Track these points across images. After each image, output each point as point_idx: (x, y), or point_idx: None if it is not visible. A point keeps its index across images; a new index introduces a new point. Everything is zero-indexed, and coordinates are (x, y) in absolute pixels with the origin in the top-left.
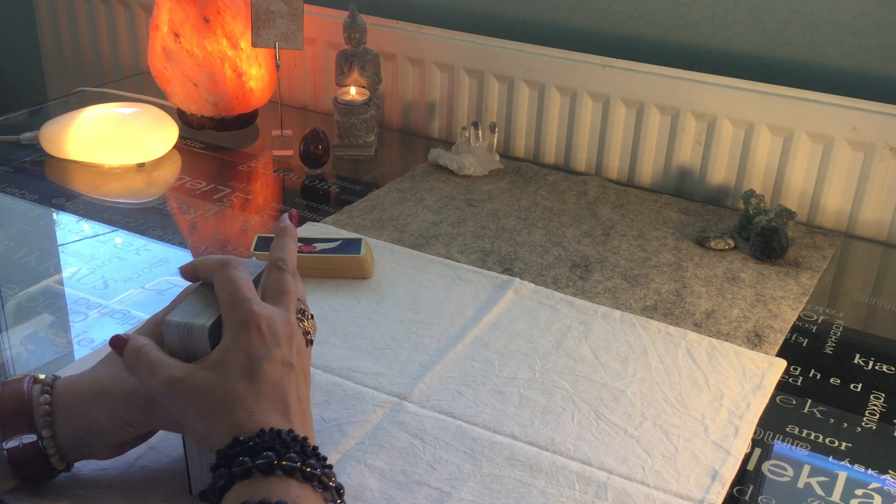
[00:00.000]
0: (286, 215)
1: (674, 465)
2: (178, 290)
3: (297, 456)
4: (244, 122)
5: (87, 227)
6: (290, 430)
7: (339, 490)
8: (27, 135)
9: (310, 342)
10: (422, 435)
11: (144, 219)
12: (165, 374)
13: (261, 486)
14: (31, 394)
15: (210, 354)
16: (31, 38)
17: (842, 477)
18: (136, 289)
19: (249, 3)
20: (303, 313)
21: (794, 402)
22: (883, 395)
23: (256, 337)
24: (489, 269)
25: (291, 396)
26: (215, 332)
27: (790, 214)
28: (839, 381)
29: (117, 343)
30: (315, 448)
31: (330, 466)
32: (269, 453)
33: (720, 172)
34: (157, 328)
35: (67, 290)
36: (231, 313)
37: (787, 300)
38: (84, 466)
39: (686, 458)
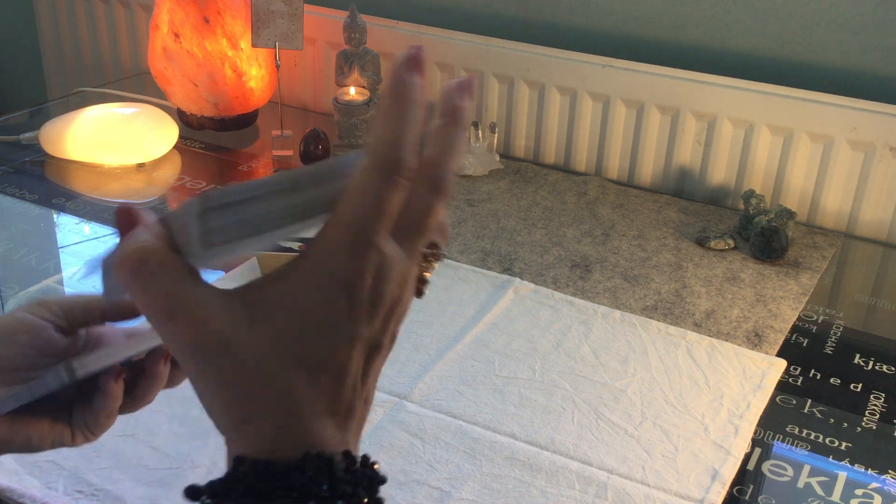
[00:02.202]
0: (454, 84)
1: (674, 464)
2: None
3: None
4: (244, 122)
5: (87, 228)
6: (347, 452)
7: None
8: (27, 135)
9: (421, 293)
10: (422, 434)
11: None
12: (190, 324)
13: None
14: None
15: (269, 290)
16: (31, 38)
17: (842, 477)
18: None
19: (249, 3)
20: (434, 251)
21: (794, 402)
22: (883, 395)
23: (345, 299)
24: (489, 269)
25: (361, 396)
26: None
27: (790, 214)
28: (839, 381)
29: (122, 221)
30: (371, 473)
31: (379, 500)
32: None
33: (720, 172)
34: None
35: (67, 290)
36: (329, 242)
37: (787, 300)
38: (83, 465)
39: (686, 458)
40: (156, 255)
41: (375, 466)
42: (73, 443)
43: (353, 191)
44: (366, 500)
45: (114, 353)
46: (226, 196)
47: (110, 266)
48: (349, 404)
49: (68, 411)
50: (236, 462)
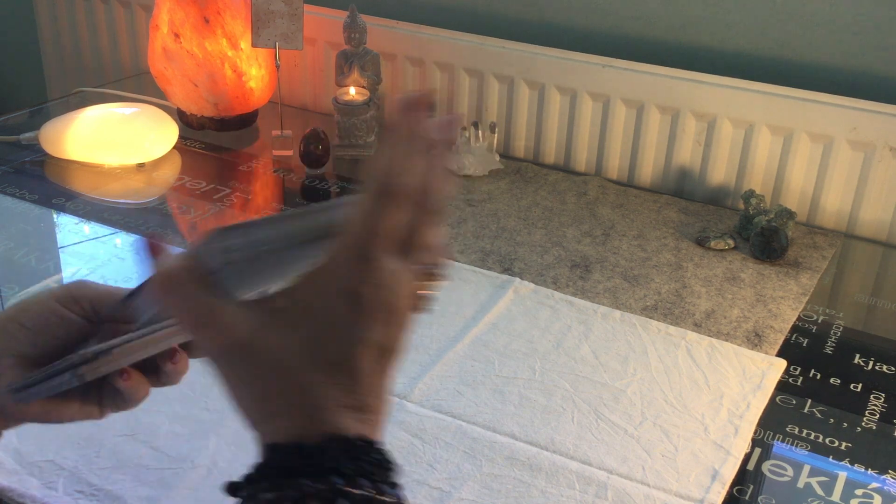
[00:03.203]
0: (447, 119)
1: (674, 464)
2: None
3: (367, 482)
4: (244, 122)
5: (87, 228)
6: (363, 437)
7: None
8: (27, 135)
9: (426, 310)
10: (422, 434)
11: (144, 219)
12: (218, 332)
13: None
14: None
15: (287, 299)
16: (31, 38)
17: (842, 477)
18: None
19: (249, 3)
20: (434, 270)
21: (794, 402)
22: (883, 395)
23: (352, 306)
24: (489, 269)
25: (376, 393)
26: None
27: (790, 214)
28: (839, 381)
29: (151, 249)
30: (392, 462)
31: (396, 485)
32: (337, 480)
33: (720, 172)
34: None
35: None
36: (337, 255)
37: (787, 300)
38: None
39: (686, 458)
40: (187, 274)
41: (393, 461)
42: (101, 417)
43: (358, 213)
44: (384, 482)
45: (123, 359)
46: (238, 225)
47: (142, 292)
48: (365, 400)
49: (98, 393)
50: (269, 449)
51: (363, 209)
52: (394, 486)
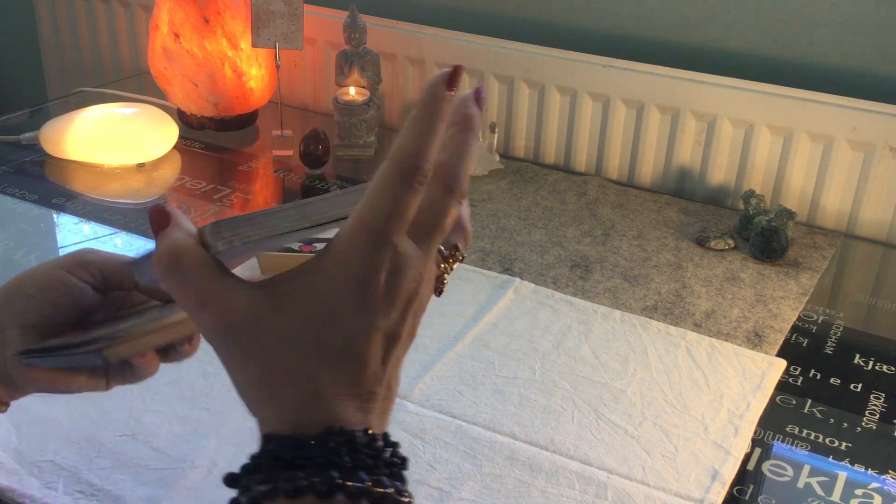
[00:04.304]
0: (470, 94)
1: (674, 464)
2: None
3: (366, 475)
4: (244, 122)
5: (87, 228)
6: (366, 430)
7: None
8: (27, 135)
9: (440, 291)
10: (422, 434)
11: (144, 219)
12: (219, 313)
13: None
14: None
15: (295, 281)
16: (31, 38)
17: (842, 477)
18: None
19: (249, 3)
20: (454, 252)
21: (794, 402)
22: (883, 395)
23: (363, 293)
24: (489, 268)
25: (382, 382)
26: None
27: (790, 214)
28: (839, 381)
29: (157, 221)
30: (393, 451)
31: (403, 477)
32: (334, 473)
33: (720, 172)
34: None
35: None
36: (350, 240)
37: (787, 300)
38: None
39: (686, 458)
40: (188, 252)
41: (398, 448)
42: (108, 389)
43: (372, 193)
44: (392, 491)
45: (143, 343)
46: (245, 215)
47: (146, 262)
48: (370, 389)
49: (105, 367)
50: (265, 439)
51: (381, 190)
52: (394, 477)
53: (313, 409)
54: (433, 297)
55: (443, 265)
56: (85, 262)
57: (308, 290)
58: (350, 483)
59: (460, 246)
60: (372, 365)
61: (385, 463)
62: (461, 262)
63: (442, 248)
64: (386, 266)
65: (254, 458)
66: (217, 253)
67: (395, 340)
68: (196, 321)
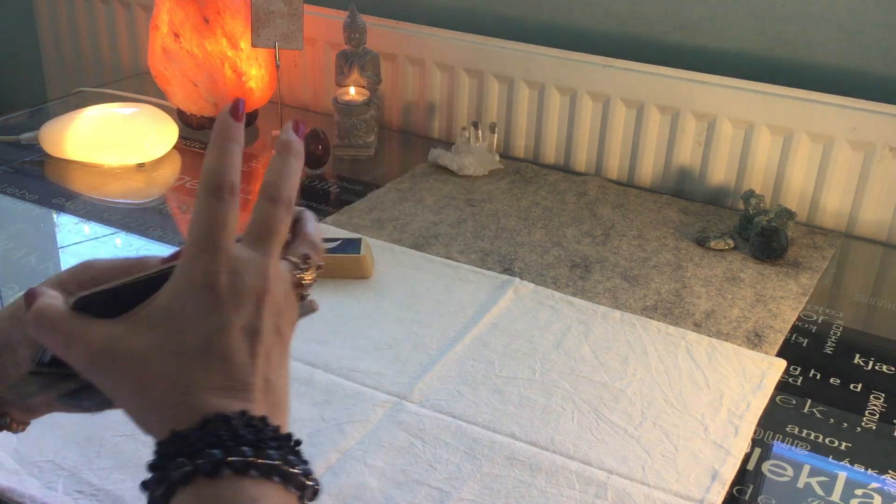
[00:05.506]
0: (289, 125)
1: (674, 464)
2: None
3: (250, 449)
4: (244, 122)
5: (87, 228)
6: (244, 413)
7: (311, 488)
8: (27, 135)
9: (302, 297)
10: (422, 434)
11: (144, 219)
12: (82, 347)
13: (208, 491)
14: None
15: (149, 308)
16: (31, 38)
17: (842, 477)
18: None
19: (249, 3)
20: (305, 260)
21: (794, 402)
22: (883, 395)
23: (208, 296)
24: (489, 269)
25: (256, 373)
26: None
27: (790, 214)
28: (839, 381)
29: (28, 300)
30: (276, 430)
31: (297, 451)
32: (214, 451)
33: (720, 172)
34: (92, 273)
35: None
36: (186, 256)
37: (787, 300)
38: (84, 464)
39: (686, 458)
40: (50, 307)
41: (300, 446)
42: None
43: (193, 214)
44: (279, 461)
45: None
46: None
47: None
48: (243, 380)
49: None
50: (155, 447)
51: (198, 209)
52: (286, 443)
53: (189, 407)
54: (305, 301)
55: (297, 273)
56: (83, 282)
57: (160, 310)
58: (234, 458)
59: (312, 256)
60: (238, 357)
61: (271, 439)
62: (318, 270)
63: (291, 257)
64: (223, 269)
65: (148, 465)
66: (73, 305)
67: (257, 335)
68: (68, 360)
